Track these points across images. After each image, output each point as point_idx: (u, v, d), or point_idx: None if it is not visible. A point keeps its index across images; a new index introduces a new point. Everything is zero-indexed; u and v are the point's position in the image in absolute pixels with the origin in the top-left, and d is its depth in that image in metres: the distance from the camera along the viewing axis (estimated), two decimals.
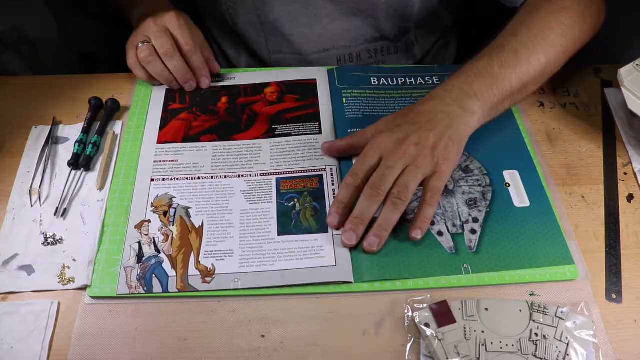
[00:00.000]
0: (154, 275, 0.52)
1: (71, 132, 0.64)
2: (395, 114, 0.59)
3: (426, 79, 0.71)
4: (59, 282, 0.52)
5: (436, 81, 0.70)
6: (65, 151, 0.62)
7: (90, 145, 0.61)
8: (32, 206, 0.57)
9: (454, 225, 0.55)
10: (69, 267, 0.53)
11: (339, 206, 0.54)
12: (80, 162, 0.60)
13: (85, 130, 0.63)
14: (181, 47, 0.66)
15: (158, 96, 0.68)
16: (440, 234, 0.55)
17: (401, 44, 0.80)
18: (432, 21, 0.79)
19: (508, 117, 0.66)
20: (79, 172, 0.60)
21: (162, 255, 0.53)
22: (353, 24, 0.75)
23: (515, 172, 0.60)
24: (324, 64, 0.77)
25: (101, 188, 0.59)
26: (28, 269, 0.52)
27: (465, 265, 0.52)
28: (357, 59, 0.79)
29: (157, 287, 0.51)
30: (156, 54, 0.65)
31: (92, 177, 0.60)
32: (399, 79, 0.71)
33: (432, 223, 0.55)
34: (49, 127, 0.64)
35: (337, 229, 0.54)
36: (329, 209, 0.56)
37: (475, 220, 0.56)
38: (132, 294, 0.50)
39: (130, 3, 0.72)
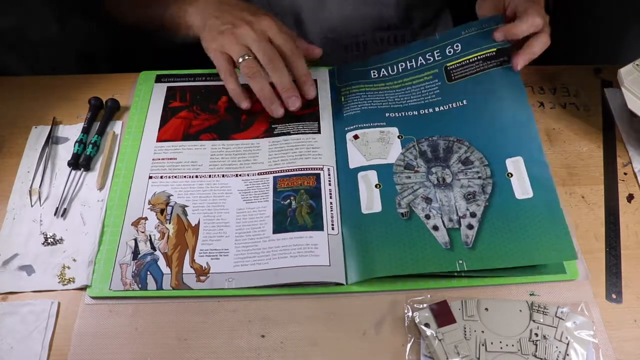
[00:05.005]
0: (148, 273, 0.52)
1: (71, 132, 0.64)
2: None
3: (427, 56, 0.67)
4: (59, 282, 0.52)
5: (437, 56, 0.67)
6: (65, 151, 0.62)
7: (90, 145, 0.61)
8: (32, 206, 0.57)
9: (450, 220, 0.54)
10: (69, 267, 0.53)
11: None
12: (80, 162, 0.60)
13: (85, 130, 0.63)
14: (285, 55, 0.61)
15: (159, 94, 0.68)
16: (435, 228, 0.54)
17: (407, 32, 0.81)
18: (433, 9, 0.82)
19: (516, 96, 0.61)
20: (79, 172, 0.60)
21: (157, 252, 0.53)
22: (361, 12, 0.76)
23: (520, 160, 0.57)
24: (332, 52, 0.78)
25: (101, 188, 0.59)
26: (28, 269, 0.52)
27: (460, 261, 0.51)
28: (363, 48, 0.80)
29: (151, 285, 0.51)
30: (261, 69, 0.60)
31: (92, 177, 0.60)
32: (399, 65, 0.68)
33: (428, 217, 0.54)
34: (49, 127, 0.64)
35: None
36: None
37: (473, 215, 0.54)
38: (126, 290, 0.51)
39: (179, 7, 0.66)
